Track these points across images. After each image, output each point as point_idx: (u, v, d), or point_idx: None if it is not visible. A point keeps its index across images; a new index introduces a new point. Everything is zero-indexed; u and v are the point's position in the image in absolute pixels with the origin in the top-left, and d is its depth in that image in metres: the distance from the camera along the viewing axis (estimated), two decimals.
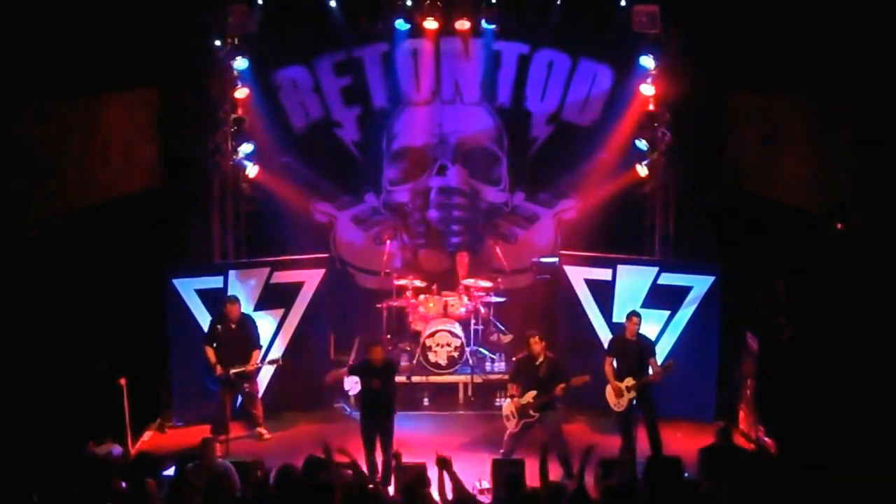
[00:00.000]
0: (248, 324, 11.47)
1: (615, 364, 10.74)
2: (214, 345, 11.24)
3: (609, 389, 10.68)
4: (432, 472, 8.10)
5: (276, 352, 12.08)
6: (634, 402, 10.58)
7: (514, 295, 13.61)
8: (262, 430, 11.56)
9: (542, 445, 8.06)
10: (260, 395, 11.76)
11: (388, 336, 13.11)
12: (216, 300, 11.58)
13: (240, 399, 11.65)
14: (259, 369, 11.55)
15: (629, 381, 10.55)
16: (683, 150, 12.81)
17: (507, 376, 11.63)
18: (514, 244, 14.17)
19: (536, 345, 10.40)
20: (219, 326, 11.25)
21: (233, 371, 11.10)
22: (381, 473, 10.14)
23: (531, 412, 10.38)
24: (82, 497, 7.94)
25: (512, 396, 10.55)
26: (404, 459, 9.20)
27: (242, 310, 11.53)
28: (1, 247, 9.41)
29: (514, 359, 11.20)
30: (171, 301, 11.80)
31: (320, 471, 7.85)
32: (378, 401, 10.25)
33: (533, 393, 10.36)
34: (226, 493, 8.22)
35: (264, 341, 11.96)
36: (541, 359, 10.44)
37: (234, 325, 11.28)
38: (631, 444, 10.54)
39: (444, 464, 7.79)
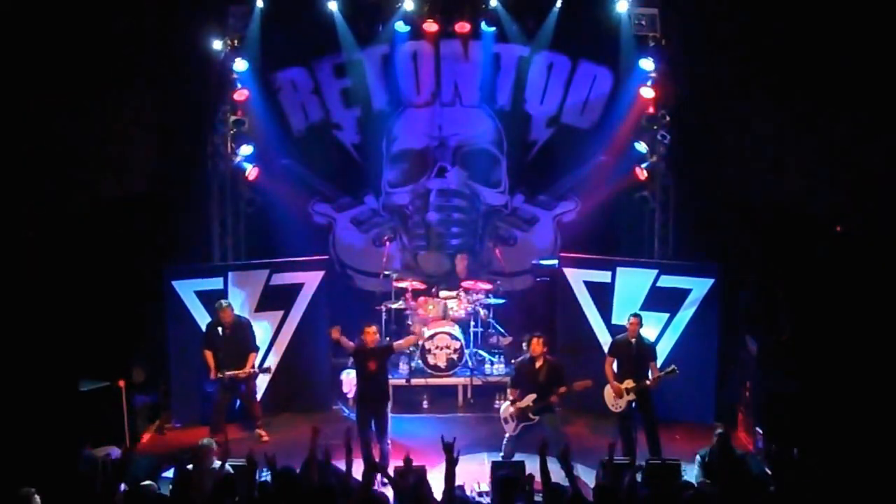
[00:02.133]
0: (242, 327, 11.39)
1: (616, 366, 10.74)
2: (213, 348, 11.19)
3: (608, 390, 10.69)
4: (432, 475, 8.10)
5: (273, 357, 12.08)
6: (633, 404, 10.58)
7: (514, 297, 13.61)
8: (260, 431, 11.55)
9: (542, 446, 8.05)
10: (258, 397, 11.75)
11: (388, 338, 13.09)
12: (216, 302, 11.55)
13: (238, 402, 11.63)
14: (255, 375, 11.48)
15: (629, 384, 10.55)
16: (683, 152, 12.82)
17: (506, 379, 11.64)
18: (513, 246, 14.18)
19: (538, 346, 10.40)
20: (219, 329, 11.22)
21: (228, 374, 11.05)
22: (378, 459, 10.26)
23: (530, 415, 10.38)
24: (81, 499, 7.94)
25: (512, 401, 10.55)
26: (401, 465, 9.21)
27: (238, 313, 11.51)
28: (1, 248, 9.43)
29: (513, 361, 11.20)
30: (170, 302, 11.79)
31: (320, 473, 7.85)
32: (373, 384, 10.44)
33: (532, 396, 10.35)
34: (225, 495, 8.21)
35: (263, 343, 11.96)
36: (541, 362, 10.43)
37: (228, 330, 11.21)
38: (630, 447, 10.53)
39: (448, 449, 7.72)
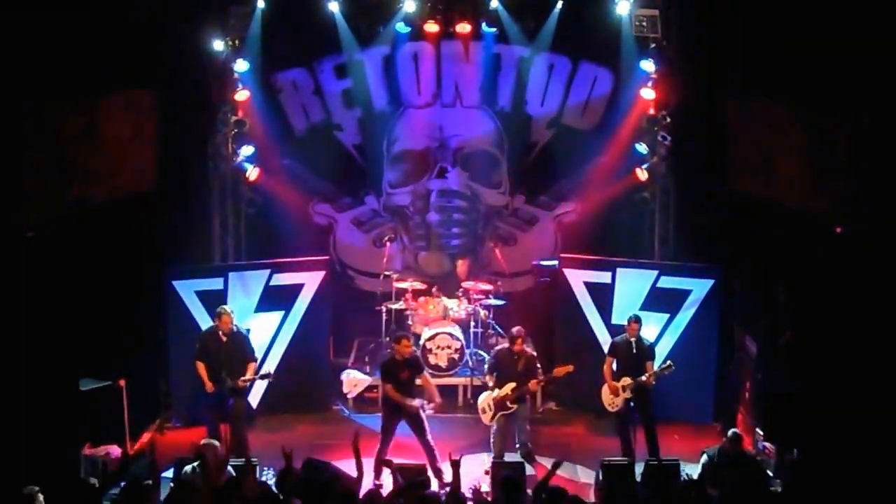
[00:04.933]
0: (241, 335, 11.03)
1: (615, 365, 10.77)
2: (208, 358, 10.74)
3: (605, 389, 10.73)
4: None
5: (273, 358, 12.07)
6: (632, 403, 10.59)
7: (514, 298, 13.62)
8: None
9: (525, 453, 8.02)
10: (254, 408, 11.64)
11: (388, 339, 13.11)
12: (216, 302, 11.48)
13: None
14: (252, 384, 11.17)
15: (625, 381, 10.58)
16: (683, 153, 12.84)
17: None
18: (513, 247, 14.19)
19: (519, 344, 10.50)
20: (218, 334, 10.78)
21: (228, 384, 10.62)
22: (427, 456, 10.23)
23: (509, 404, 10.45)
24: (80, 499, 7.95)
25: (491, 388, 10.61)
26: (403, 462, 9.23)
27: (239, 313, 11.45)
28: (1, 248, 9.44)
29: (492, 350, 11.27)
30: (170, 302, 11.80)
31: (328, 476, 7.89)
32: (406, 392, 10.32)
33: (512, 385, 10.42)
34: (227, 495, 8.22)
35: (263, 344, 11.98)
36: (519, 352, 10.54)
37: (226, 338, 10.80)
38: (629, 447, 10.57)
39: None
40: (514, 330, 10.63)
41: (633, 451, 10.47)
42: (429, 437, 10.31)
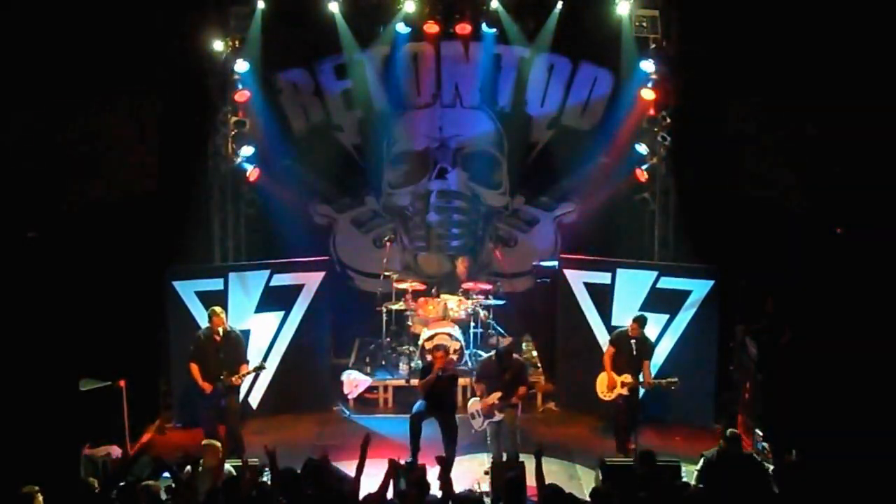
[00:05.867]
0: (235, 335, 11.05)
1: (614, 357, 10.79)
2: (202, 359, 10.77)
3: (602, 378, 10.75)
4: (431, 475, 8.13)
5: (273, 358, 12.08)
6: (624, 399, 10.63)
7: (514, 298, 13.62)
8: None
9: (536, 450, 8.08)
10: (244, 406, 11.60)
11: (388, 339, 13.12)
12: (216, 302, 11.47)
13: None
14: (251, 378, 11.30)
15: (626, 378, 10.60)
16: (683, 154, 12.84)
17: None
18: (513, 248, 14.19)
19: (508, 356, 10.55)
20: (213, 336, 10.83)
21: (224, 381, 10.68)
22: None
23: (496, 412, 10.46)
24: (80, 499, 7.94)
25: (480, 397, 10.61)
26: (402, 462, 9.22)
27: (238, 313, 11.46)
28: (1, 248, 9.44)
29: (481, 358, 11.27)
30: (171, 303, 11.80)
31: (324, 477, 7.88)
32: (444, 394, 10.49)
33: (498, 394, 10.43)
34: (228, 495, 8.22)
35: (264, 344, 11.98)
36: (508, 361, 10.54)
37: (220, 338, 10.86)
38: (624, 446, 10.59)
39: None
40: (505, 343, 10.71)
41: (628, 450, 10.49)
42: (455, 447, 10.37)
